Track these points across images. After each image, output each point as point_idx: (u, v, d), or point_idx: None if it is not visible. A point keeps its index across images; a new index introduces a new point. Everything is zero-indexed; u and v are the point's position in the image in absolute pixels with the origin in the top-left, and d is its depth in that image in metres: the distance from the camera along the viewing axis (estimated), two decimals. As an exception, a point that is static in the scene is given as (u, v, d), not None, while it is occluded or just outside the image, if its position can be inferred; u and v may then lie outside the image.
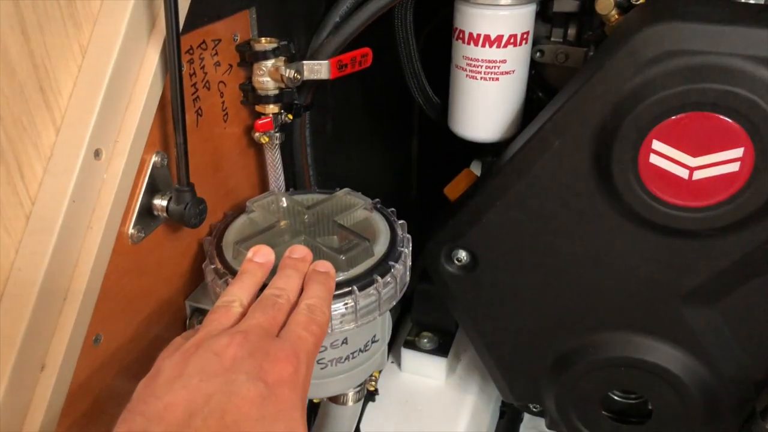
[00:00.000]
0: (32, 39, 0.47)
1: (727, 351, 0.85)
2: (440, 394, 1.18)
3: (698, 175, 0.72)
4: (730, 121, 0.68)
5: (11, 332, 0.48)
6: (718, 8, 0.74)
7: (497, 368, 1.01)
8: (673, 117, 0.70)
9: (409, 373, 1.20)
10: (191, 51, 0.60)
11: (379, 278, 0.60)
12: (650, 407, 0.94)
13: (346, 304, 0.58)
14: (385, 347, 0.71)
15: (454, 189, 0.98)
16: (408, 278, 0.65)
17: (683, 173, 0.73)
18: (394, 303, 0.64)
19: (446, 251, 0.92)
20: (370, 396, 1.14)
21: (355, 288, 0.58)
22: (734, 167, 0.70)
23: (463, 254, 0.91)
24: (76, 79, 0.51)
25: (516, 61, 0.86)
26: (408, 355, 1.19)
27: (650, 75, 0.70)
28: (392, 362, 1.23)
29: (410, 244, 0.66)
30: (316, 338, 0.49)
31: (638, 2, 0.78)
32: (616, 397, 0.97)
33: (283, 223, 0.65)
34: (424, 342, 1.19)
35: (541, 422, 1.42)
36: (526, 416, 1.41)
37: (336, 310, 0.58)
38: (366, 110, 1.06)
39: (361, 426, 1.10)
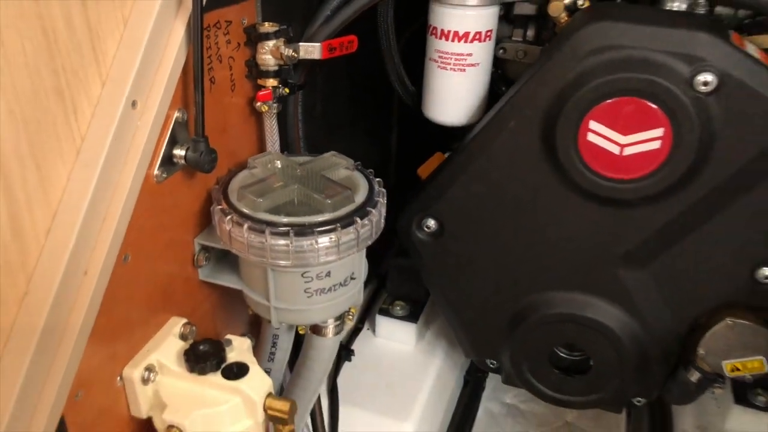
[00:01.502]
0: (89, 8, 0.60)
1: (655, 309, 0.99)
2: (409, 357, 1.31)
3: (628, 151, 0.86)
4: (652, 105, 0.83)
5: (63, 242, 0.60)
6: (644, 12, 0.89)
7: (460, 326, 1.14)
8: (607, 101, 0.84)
9: (383, 338, 1.33)
10: (208, 28, 0.72)
11: (358, 219, 0.73)
12: (591, 363, 1.07)
13: (331, 238, 0.71)
14: (361, 286, 0.84)
15: (426, 169, 1.12)
16: (383, 224, 0.78)
17: (615, 149, 0.87)
18: (370, 242, 0.77)
19: (417, 220, 1.06)
20: (346, 356, 1.27)
21: (338, 226, 0.71)
22: (657, 145, 0.85)
23: (431, 222, 1.05)
24: (119, 43, 0.64)
25: (481, 55, 1.00)
26: (382, 322, 1.32)
27: (588, 65, 0.84)
28: (368, 329, 1.35)
29: (385, 197, 0.79)
30: None
31: (583, 6, 0.92)
32: (562, 354, 1.10)
33: (278, 176, 0.78)
34: (397, 309, 1.32)
35: (502, 393, 1.57)
36: (488, 386, 1.55)
37: (322, 243, 0.71)
38: (351, 99, 1.19)
39: (338, 380, 1.22)
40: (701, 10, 0.90)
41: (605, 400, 1.09)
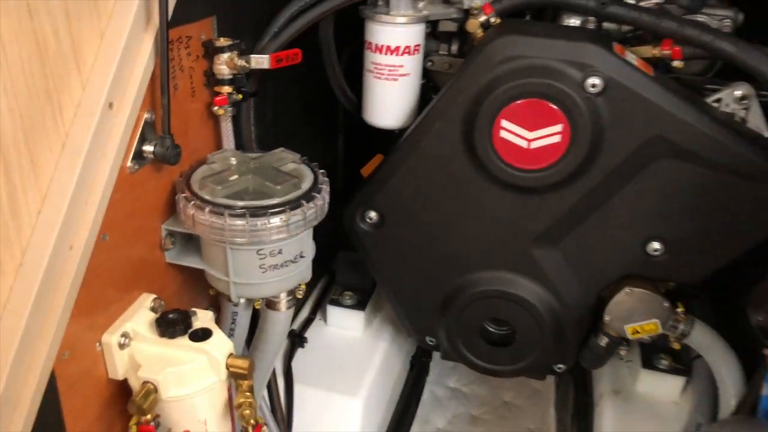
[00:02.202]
0: (72, 24, 0.71)
1: (567, 282, 1.14)
2: (358, 342, 1.43)
3: (534, 145, 1.02)
4: (552, 105, 0.98)
5: (52, 221, 0.71)
6: (544, 27, 1.06)
7: (401, 308, 1.27)
8: (515, 102, 1.00)
9: (334, 326, 1.45)
10: (172, 42, 0.85)
11: (304, 202, 0.85)
12: (515, 334, 1.22)
13: (281, 219, 0.83)
14: (310, 264, 0.96)
15: (368, 169, 1.25)
16: (326, 209, 0.91)
17: (524, 144, 1.02)
18: (315, 223, 0.89)
19: (360, 213, 1.19)
20: (300, 342, 1.39)
21: (287, 208, 0.84)
22: (557, 139, 1.00)
23: (372, 214, 1.18)
24: (97, 54, 0.75)
25: (411, 66, 1.15)
26: (333, 311, 1.44)
27: (498, 73, 1.00)
28: (320, 319, 1.47)
29: (328, 186, 0.92)
30: None
31: (495, 22, 1.07)
32: (492, 329, 1.25)
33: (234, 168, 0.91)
34: (346, 299, 1.44)
35: (446, 378, 1.70)
36: (433, 372, 1.68)
37: (273, 223, 0.83)
38: (300, 106, 1.32)
39: (293, 364, 1.33)
40: (591, 26, 1.07)
41: (529, 367, 1.23)
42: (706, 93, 1.05)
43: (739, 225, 1.01)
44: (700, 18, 1.09)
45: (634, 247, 1.08)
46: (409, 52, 1.13)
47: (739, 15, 1.10)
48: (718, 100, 1.03)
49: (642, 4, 1.09)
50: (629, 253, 1.09)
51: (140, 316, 0.85)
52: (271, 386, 1.20)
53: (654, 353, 1.31)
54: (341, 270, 1.46)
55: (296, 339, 1.38)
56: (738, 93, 1.02)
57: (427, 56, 1.20)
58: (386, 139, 1.22)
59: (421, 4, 1.12)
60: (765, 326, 0.80)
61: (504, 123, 1.01)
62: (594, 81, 0.95)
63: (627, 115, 0.97)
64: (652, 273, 1.10)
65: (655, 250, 1.07)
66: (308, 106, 1.36)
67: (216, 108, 0.95)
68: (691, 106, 0.97)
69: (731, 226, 1.02)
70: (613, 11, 1.01)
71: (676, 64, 1.02)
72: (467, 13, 1.11)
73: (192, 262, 0.93)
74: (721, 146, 0.96)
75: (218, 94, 0.95)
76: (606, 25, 1.08)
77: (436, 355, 1.62)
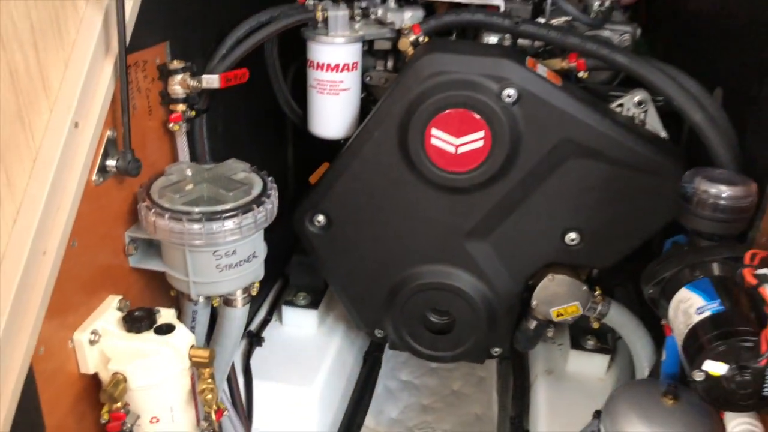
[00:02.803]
0: (40, 54, 0.80)
1: (498, 272, 1.27)
2: (312, 339, 1.53)
3: (461, 150, 1.14)
4: (474, 114, 1.11)
5: (27, 229, 0.79)
6: (466, 45, 1.19)
7: (350, 304, 1.38)
8: (443, 112, 1.12)
9: (289, 325, 1.55)
10: (129, 67, 0.94)
11: (255, 206, 0.96)
12: (454, 322, 1.33)
13: (235, 222, 0.93)
14: (262, 263, 1.05)
15: (315, 176, 1.36)
16: (275, 212, 1.01)
17: (452, 149, 1.14)
18: (266, 225, 0.99)
19: (309, 216, 1.30)
20: (257, 342, 1.48)
21: (239, 212, 0.94)
22: (480, 144, 1.13)
23: (320, 217, 1.29)
24: (62, 80, 0.84)
25: (350, 81, 1.26)
26: (287, 311, 1.54)
27: (427, 86, 1.12)
28: (276, 319, 1.57)
29: (276, 191, 1.02)
30: None
31: (423, 41, 1.19)
32: (434, 319, 1.36)
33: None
34: (300, 299, 1.54)
35: (398, 371, 1.81)
36: (386, 366, 1.79)
37: (227, 226, 0.93)
38: (249, 120, 1.42)
39: (251, 362, 1.42)
40: (507, 43, 1.20)
41: (469, 352, 1.35)
42: (610, 99, 1.19)
43: (642, 215, 1.15)
44: (605, 33, 1.24)
45: (554, 237, 1.21)
46: (348, 69, 1.24)
47: (637, 30, 1.25)
48: (621, 105, 1.18)
49: (552, 21, 1.23)
50: (550, 244, 1.22)
51: (108, 315, 0.94)
52: (232, 383, 1.29)
53: (581, 335, 1.44)
54: (294, 272, 1.55)
55: (254, 339, 1.47)
56: (637, 98, 1.17)
57: (365, 72, 1.32)
58: (332, 147, 1.33)
59: (357, 25, 1.24)
60: (655, 299, 0.93)
61: (434, 131, 1.13)
62: (509, 92, 1.08)
63: (539, 120, 1.10)
64: (571, 260, 1.24)
65: (572, 240, 1.20)
66: (257, 119, 1.46)
67: (171, 124, 1.04)
68: (595, 111, 1.11)
69: (635, 215, 1.16)
70: (525, 29, 1.14)
71: (582, 74, 1.16)
72: (399, 33, 1.23)
73: (154, 265, 1.02)
74: (623, 146, 1.10)
75: (173, 111, 1.04)
76: (520, 41, 1.21)
77: (389, 351, 1.73)
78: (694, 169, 0.92)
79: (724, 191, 0.88)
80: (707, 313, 0.80)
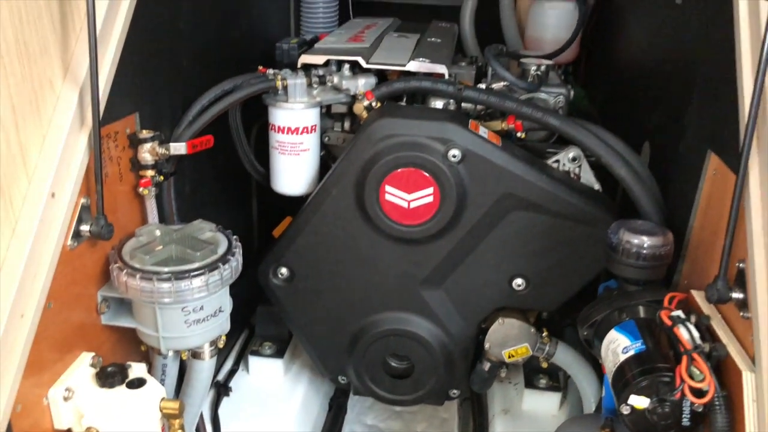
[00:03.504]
0: (20, 130, 0.87)
1: (452, 318, 1.35)
2: (279, 387, 1.58)
3: (413, 204, 1.23)
4: (423, 172, 1.20)
5: (6, 294, 0.85)
6: (414, 110, 1.29)
7: (314, 352, 1.44)
8: (395, 171, 1.21)
9: (256, 375, 1.60)
10: (102, 138, 1.01)
11: (221, 265, 1.03)
12: (413, 367, 1.40)
13: (202, 280, 1.00)
14: (228, 317, 1.12)
15: (279, 230, 1.43)
16: (240, 268, 1.08)
17: (405, 204, 1.23)
18: (231, 281, 1.06)
19: (272, 269, 1.37)
20: (225, 392, 1.53)
21: (206, 270, 1.01)
22: (430, 199, 1.22)
23: (284, 270, 1.36)
24: (40, 153, 0.91)
25: (310, 142, 1.35)
26: (253, 361, 1.59)
27: (380, 148, 1.21)
28: (243, 369, 1.62)
29: (240, 249, 1.09)
30: None
31: (376, 106, 1.30)
32: (394, 364, 1.43)
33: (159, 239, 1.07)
34: (266, 349, 1.60)
35: (363, 416, 1.86)
36: (352, 411, 1.84)
37: (195, 284, 1.00)
38: (215, 179, 1.49)
39: (219, 412, 1.47)
40: (452, 107, 1.31)
41: (428, 394, 1.42)
42: (547, 155, 1.31)
43: (580, 261, 1.25)
44: (541, 95, 1.36)
45: (502, 283, 1.30)
46: (307, 131, 1.33)
47: (571, 91, 1.38)
48: (557, 161, 1.29)
49: (493, 85, 1.35)
50: (499, 289, 1.31)
51: (81, 371, 0.99)
52: (200, 429, 1.33)
53: (534, 374, 1.52)
54: (260, 323, 1.61)
55: (221, 388, 1.51)
56: (571, 155, 1.28)
57: (324, 132, 1.42)
58: (295, 200, 1.41)
59: (315, 92, 1.34)
60: (590, 339, 1.02)
61: (388, 188, 1.22)
62: (454, 152, 1.18)
63: (483, 177, 1.20)
64: (519, 304, 1.33)
65: (519, 285, 1.29)
66: (223, 177, 1.53)
67: (141, 189, 1.12)
68: (533, 168, 1.21)
69: (574, 262, 1.26)
70: (467, 95, 1.25)
71: (520, 135, 1.27)
72: (354, 98, 1.33)
73: (125, 322, 1.07)
74: (559, 198, 1.21)
75: (143, 177, 1.12)
76: (464, 105, 1.33)
77: (354, 396, 1.78)
78: (618, 222, 1.03)
79: (646, 241, 0.98)
80: (632, 353, 0.89)
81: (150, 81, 1.16)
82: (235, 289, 1.13)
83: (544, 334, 1.34)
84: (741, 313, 0.86)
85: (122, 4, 1.01)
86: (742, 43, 0.91)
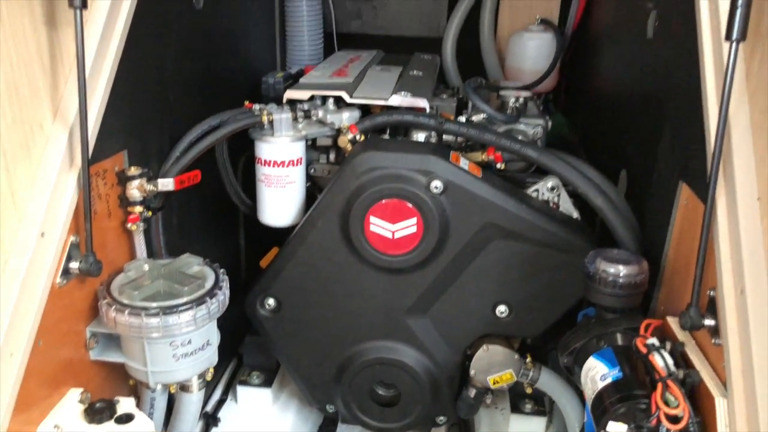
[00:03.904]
0: (10, 172, 0.89)
1: (438, 345, 1.37)
2: (267, 418, 1.59)
3: (397, 235, 1.26)
4: (407, 203, 1.23)
5: (-3, 332, 0.87)
6: (396, 143, 1.33)
7: (302, 381, 1.45)
8: (379, 202, 1.24)
9: (244, 405, 1.60)
10: (91, 176, 1.03)
11: (208, 299, 1.05)
12: (400, 394, 1.42)
13: (190, 314, 1.02)
14: (216, 349, 1.14)
15: (266, 261, 1.45)
16: (227, 302, 1.10)
17: (389, 234, 1.26)
18: (219, 315, 1.08)
19: (260, 300, 1.39)
20: (213, 422, 1.53)
21: (194, 305, 1.03)
22: (414, 229, 1.25)
23: (271, 301, 1.38)
24: (30, 193, 0.94)
25: (296, 175, 1.38)
26: (242, 391, 1.60)
27: (364, 180, 1.24)
28: (231, 399, 1.62)
29: (228, 282, 1.12)
30: None
31: (360, 139, 1.33)
32: (381, 392, 1.45)
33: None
34: (254, 379, 1.60)
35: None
36: (338, 438, 1.84)
37: (183, 319, 1.02)
38: (202, 211, 1.52)
39: (208, 444, 1.48)
40: (433, 140, 1.35)
41: (416, 422, 1.44)
42: (527, 185, 1.34)
43: (561, 288, 1.28)
44: (520, 126, 1.40)
45: (486, 311, 1.33)
46: (293, 164, 1.36)
47: (549, 122, 1.42)
48: (536, 191, 1.33)
49: (474, 117, 1.39)
50: (483, 316, 1.33)
51: (70, 408, 1.00)
52: (189, 463, 1.34)
53: (520, 399, 1.54)
54: (248, 353, 1.62)
55: (210, 419, 1.52)
56: (550, 184, 1.32)
57: (309, 164, 1.44)
58: (282, 232, 1.44)
59: (300, 125, 1.37)
60: (570, 367, 1.05)
61: (372, 219, 1.25)
62: (436, 184, 1.21)
63: (464, 208, 1.24)
64: (503, 331, 1.35)
65: (502, 312, 1.32)
66: (210, 210, 1.56)
67: (130, 225, 1.14)
68: (513, 198, 1.24)
69: (555, 289, 1.29)
70: (448, 128, 1.29)
71: (500, 165, 1.31)
72: (338, 131, 1.36)
73: (113, 357, 1.09)
74: (539, 227, 1.24)
75: (131, 213, 1.14)
76: (446, 137, 1.36)
77: (342, 425, 1.79)
78: (595, 251, 1.06)
79: (621, 270, 1.02)
80: (609, 380, 0.92)
81: (138, 118, 1.19)
82: (223, 320, 1.15)
83: (528, 359, 1.36)
84: (713, 340, 0.89)
85: (111, 46, 1.04)
86: (707, 79, 0.96)
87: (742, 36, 0.79)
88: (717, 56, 0.94)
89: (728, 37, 0.80)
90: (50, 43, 0.93)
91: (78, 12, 0.89)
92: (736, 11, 0.78)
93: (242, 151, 1.53)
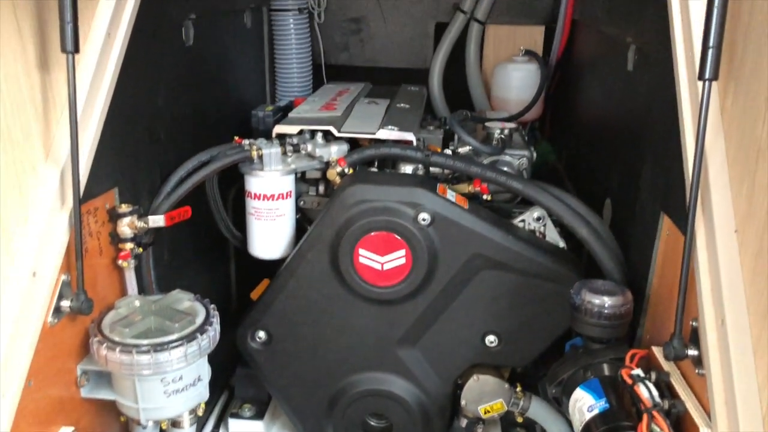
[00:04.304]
0: (2, 215, 0.91)
1: (428, 376, 1.38)
2: (259, 449, 1.58)
3: (386, 266, 1.27)
4: (395, 236, 1.25)
5: (-13, 374, 0.87)
6: (384, 176, 1.35)
7: (293, 413, 1.45)
8: (368, 235, 1.26)
9: (236, 437, 1.60)
10: (82, 215, 1.05)
11: (199, 335, 1.06)
12: (391, 425, 1.42)
13: (180, 351, 1.03)
14: (207, 386, 1.14)
15: (256, 293, 1.46)
16: (218, 337, 1.11)
17: (378, 266, 1.28)
18: (210, 351, 1.09)
19: (250, 333, 1.39)
20: (205, 456, 1.53)
21: (185, 341, 1.04)
22: (403, 261, 1.26)
23: (262, 334, 1.39)
24: (22, 233, 0.95)
25: (285, 208, 1.39)
26: (233, 423, 1.59)
27: (353, 213, 1.26)
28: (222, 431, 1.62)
29: (218, 318, 1.12)
30: None
31: (348, 172, 1.35)
32: (373, 423, 1.45)
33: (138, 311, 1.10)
34: (245, 411, 1.60)
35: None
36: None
37: (174, 355, 1.02)
38: (193, 245, 1.53)
39: (199, 477, 1.47)
40: (421, 172, 1.37)
41: (407, 452, 1.44)
42: (513, 215, 1.36)
43: (549, 317, 1.29)
44: (506, 158, 1.43)
45: (475, 340, 1.34)
46: (282, 197, 1.38)
47: (534, 153, 1.45)
48: (522, 221, 1.35)
49: (459, 149, 1.41)
50: (472, 346, 1.34)
51: (61, 447, 1.00)
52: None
53: (512, 428, 1.54)
54: (239, 385, 1.62)
55: (201, 449, 1.51)
56: (535, 215, 1.34)
57: (299, 197, 1.46)
58: (273, 263, 1.45)
59: (290, 159, 1.39)
60: (558, 397, 1.06)
61: (361, 251, 1.27)
62: (424, 216, 1.23)
63: (452, 239, 1.25)
64: (493, 360, 1.36)
65: (491, 342, 1.33)
66: (201, 243, 1.57)
67: (121, 261, 1.15)
68: (499, 228, 1.26)
69: (543, 318, 1.30)
70: (435, 160, 1.31)
71: (486, 197, 1.33)
72: (327, 164, 1.38)
73: (104, 394, 1.09)
74: (525, 257, 1.26)
75: (122, 250, 1.15)
76: (433, 169, 1.39)
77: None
78: (580, 282, 1.08)
79: (606, 301, 1.03)
80: (596, 411, 0.93)
81: (129, 156, 1.20)
82: (214, 352, 1.15)
83: (518, 389, 1.37)
84: (697, 370, 0.90)
85: (102, 87, 1.06)
86: (684, 114, 0.98)
87: (715, 76, 0.82)
88: (693, 92, 0.97)
89: (701, 77, 0.82)
90: (43, 87, 0.95)
91: (70, 56, 0.91)
92: (708, 52, 0.81)
93: (232, 184, 1.55)
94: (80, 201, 1.00)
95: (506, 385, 1.35)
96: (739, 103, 0.89)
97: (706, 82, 0.83)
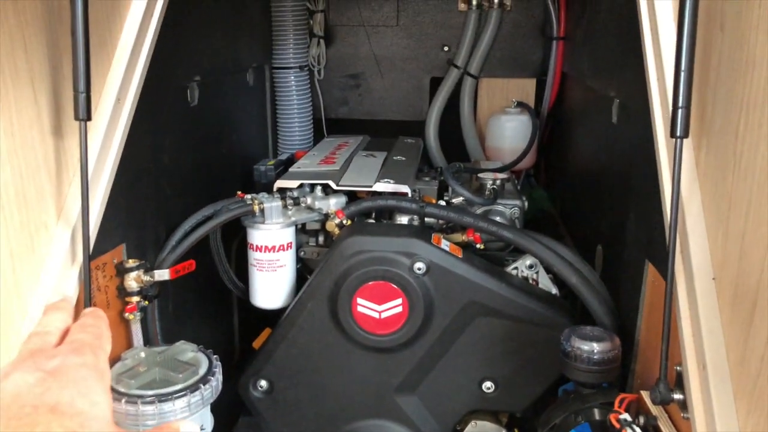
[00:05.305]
0: (17, 274, 0.96)
1: (427, 422, 1.40)
2: (262, 498, 1.60)
3: (384, 315, 1.32)
4: (392, 285, 1.30)
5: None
6: (381, 227, 1.40)
7: (295, 461, 1.47)
8: (366, 284, 1.30)
9: (238, 487, 1.62)
10: (92, 271, 1.10)
11: (202, 385, 1.09)
12: (394, 472, 1.44)
13: (184, 401, 1.06)
14: (210, 434, 1.17)
15: (259, 342, 1.50)
16: (220, 387, 1.14)
17: (376, 315, 1.32)
18: (212, 400, 1.12)
19: (252, 382, 1.42)
20: (207, 506, 1.54)
21: (188, 392, 1.07)
22: (400, 309, 1.31)
23: (263, 382, 1.42)
24: (34, 292, 0.99)
25: (286, 259, 1.44)
26: (236, 473, 1.61)
27: (351, 263, 1.31)
28: (225, 480, 1.63)
29: (221, 368, 1.16)
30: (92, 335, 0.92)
31: (347, 224, 1.40)
32: (374, 471, 1.47)
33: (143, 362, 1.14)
34: (248, 460, 1.62)
35: None
36: None
37: (178, 405, 1.06)
38: (197, 295, 1.57)
39: None
40: (416, 222, 1.43)
41: (408, 500, 1.45)
42: (506, 263, 1.41)
43: (544, 363, 1.33)
44: (498, 207, 1.48)
45: (473, 387, 1.37)
46: (283, 249, 1.43)
47: (525, 202, 1.50)
48: (515, 268, 1.39)
49: (453, 200, 1.47)
50: (470, 393, 1.37)
51: (67, 497, 1.03)
52: None
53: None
54: (242, 433, 1.65)
55: (204, 503, 1.52)
56: (528, 262, 1.38)
57: (299, 247, 1.51)
58: (274, 312, 1.49)
59: (290, 212, 1.45)
60: (551, 442, 1.09)
61: (359, 300, 1.31)
62: (419, 265, 1.28)
63: (447, 287, 1.30)
64: (490, 406, 1.39)
65: (489, 388, 1.36)
66: (204, 294, 1.61)
67: (126, 314, 1.19)
68: (493, 276, 1.31)
69: (538, 364, 1.33)
70: (429, 211, 1.37)
71: (479, 246, 1.38)
72: (326, 216, 1.44)
73: (110, 445, 1.12)
74: (519, 304, 1.30)
75: (128, 303, 1.19)
76: (428, 220, 1.44)
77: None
78: (569, 329, 1.11)
79: (595, 347, 1.07)
80: (587, 455, 0.95)
81: (136, 212, 1.26)
82: (217, 401, 1.18)
83: (516, 434, 1.39)
84: (682, 414, 0.93)
85: (112, 150, 1.13)
86: (662, 167, 1.04)
87: (685, 134, 0.88)
88: (670, 146, 1.02)
89: (672, 135, 0.88)
90: (56, 152, 1.01)
91: (83, 124, 0.97)
92: (678, 112, 0.87)
93: (235, 235, 1.60)
94: (90, 258, 1.05)
95: (504, 431, 1.38)
96: (711, 157, 0.95)
97: (678, 140, 0.89)
